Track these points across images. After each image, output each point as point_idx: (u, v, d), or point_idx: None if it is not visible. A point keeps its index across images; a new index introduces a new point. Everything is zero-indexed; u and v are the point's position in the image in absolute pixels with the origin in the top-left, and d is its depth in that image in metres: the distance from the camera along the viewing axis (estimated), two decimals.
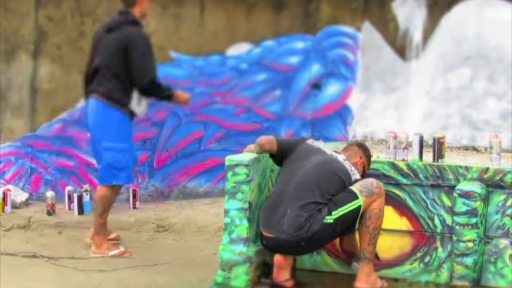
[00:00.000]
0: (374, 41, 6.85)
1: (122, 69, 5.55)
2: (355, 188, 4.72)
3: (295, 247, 4.68)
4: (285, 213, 4.65)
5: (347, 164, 4.84)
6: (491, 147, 5.14)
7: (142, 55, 5.54)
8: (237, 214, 4.84)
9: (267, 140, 4.97)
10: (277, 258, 4.77)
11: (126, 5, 5.70)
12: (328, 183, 4.70)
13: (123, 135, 5.66)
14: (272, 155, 4.98)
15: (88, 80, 5.72)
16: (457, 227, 4.86)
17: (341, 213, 4.66)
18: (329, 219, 4.62)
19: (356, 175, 4.82)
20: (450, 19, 6.72)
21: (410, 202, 5.11)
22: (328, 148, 4.99)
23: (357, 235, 4.88)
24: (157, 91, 5.68)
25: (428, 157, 5.21)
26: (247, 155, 4.97)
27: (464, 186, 4.90)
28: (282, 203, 4.70)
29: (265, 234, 4.74)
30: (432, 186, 5.07)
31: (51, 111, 6.96)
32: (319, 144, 5.03)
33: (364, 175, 4.97)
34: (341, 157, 4.88)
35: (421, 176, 5.08)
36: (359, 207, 4.68)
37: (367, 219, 4.73)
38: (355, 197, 4.68)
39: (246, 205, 4.83)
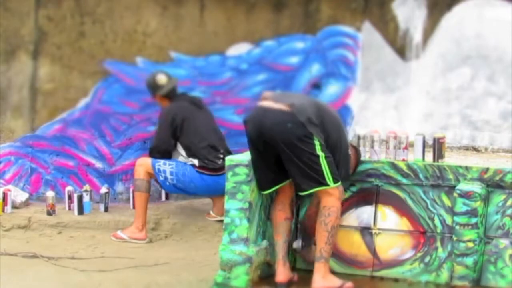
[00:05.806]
0: (374, 41, 6.85)
1: None
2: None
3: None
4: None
5: None
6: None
7: None
8: (237, 214, 4.84)
9: None
10: None
11: None
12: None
13: None
14: None
15: None
16: (457, 227, 4.86)
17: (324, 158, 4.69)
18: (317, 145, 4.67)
19: None
20: (450, 19, 6.72)
21: (410, 202, 5.11)
22: None
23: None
24: None
25: (428, 157, 5.21)
26: (247, 156, 4.97)
27: (464, 186, 4.91)
28: None
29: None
30: (432, 186, 5.07)
31: (51, 111, 6.95)
32: None
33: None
34: None
35: (421, 176, 5.08)
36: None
37: (326, 216, 4.70)
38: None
39: (246, 205, 4.83)
